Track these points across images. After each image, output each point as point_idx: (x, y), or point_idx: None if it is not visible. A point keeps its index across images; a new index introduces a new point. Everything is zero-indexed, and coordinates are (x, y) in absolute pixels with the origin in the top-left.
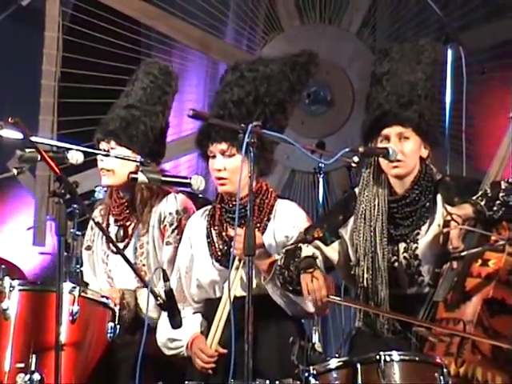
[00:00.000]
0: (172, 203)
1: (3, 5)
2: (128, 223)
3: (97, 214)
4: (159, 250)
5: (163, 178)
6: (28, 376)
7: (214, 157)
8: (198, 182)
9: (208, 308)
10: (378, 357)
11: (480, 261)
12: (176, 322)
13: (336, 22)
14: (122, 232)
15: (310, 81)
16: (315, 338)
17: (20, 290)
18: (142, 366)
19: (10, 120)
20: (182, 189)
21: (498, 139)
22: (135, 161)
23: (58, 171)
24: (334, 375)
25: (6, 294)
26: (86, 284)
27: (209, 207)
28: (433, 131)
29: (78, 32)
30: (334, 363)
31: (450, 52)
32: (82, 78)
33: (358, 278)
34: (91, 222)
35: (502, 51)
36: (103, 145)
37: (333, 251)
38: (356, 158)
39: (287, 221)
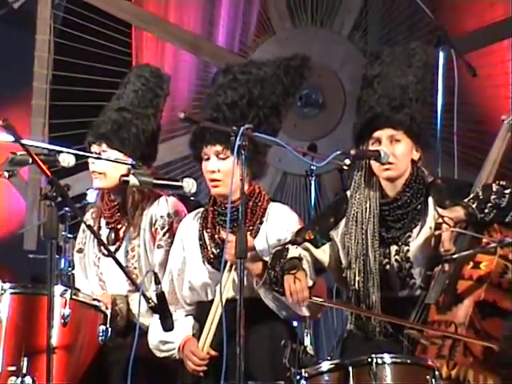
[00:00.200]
0: (163, 206)
1: None
2: (119, 226)
3: (88, 216)
4: (150, 253)
5: (155, 181)
6: (19, 379)
7: (208, 159)
8: (189, 185)
9: (200, 310)
10: (369, 359)
11: (472, 263)
12: (167, 324)
13: (328, 25)
14: (113, 235)
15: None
16: (307, 340)
17: (11, 293)
18: (133, 368)
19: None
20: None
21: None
22: (127, 163)
23: (49, 174)
24: (326, 378)
25: None
26: (77, 289)
27: (201, 209)
28: (424, 134)
29: (70, 35)
30: (325, 366)
31: (441, 55)
32: (73, 81)
33: (349, 280)
34: (83, 225)
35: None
36: (95, 147)
37: (323, 253)
38: (348, 161)
39: (280, 224)
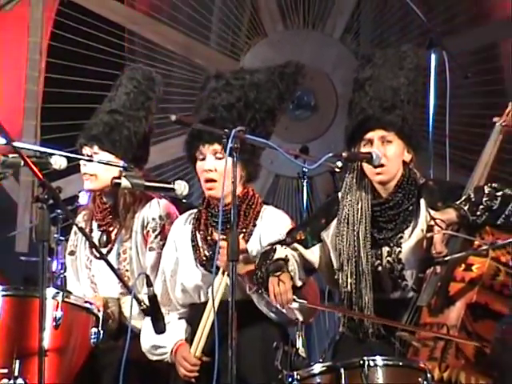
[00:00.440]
0: (155, 209)
1: None
2: (111, 228)
3: (80, 219)
4: (142, 256)
5: (146, 184)
6: (11, 381)
7: (204, 159)
8: (181, 188)
9: (193, 313)
10: (361, 362)
11: (463, 265)
12: (159, 327)
13: (320, 27)
14: (105, 237)
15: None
16: (299, 343)
17: (3, 296)
18: (125, 371)
19: None
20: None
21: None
22: (118, 166)
23: (41, 176)
24: (318, 380)
25: None
26: (69, 292)
27: (194, 211)
28: (416, 135)
29: (62, 37)
30: (317, 368)
31: (433, 57)
32: (65, 84)
33: (341, 282)
34: (74, 227)
35: (485, 55)
36: (86, 149)
37: (313, 254)
38: (340, 163)
39: (273, 227)
